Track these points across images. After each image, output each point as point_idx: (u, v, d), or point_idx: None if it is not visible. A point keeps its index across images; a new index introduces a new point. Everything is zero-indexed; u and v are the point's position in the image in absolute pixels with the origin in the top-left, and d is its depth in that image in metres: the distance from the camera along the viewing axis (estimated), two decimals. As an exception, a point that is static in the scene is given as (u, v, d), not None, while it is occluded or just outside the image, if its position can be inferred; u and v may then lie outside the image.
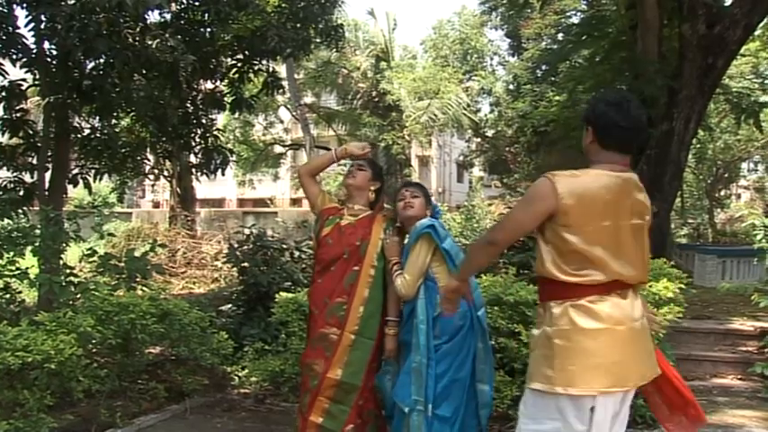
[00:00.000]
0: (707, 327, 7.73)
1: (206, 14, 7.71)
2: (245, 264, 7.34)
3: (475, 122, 27.64)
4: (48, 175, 7.66)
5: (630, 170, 2.66)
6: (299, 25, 8.36)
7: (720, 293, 10.00)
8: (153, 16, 7.62)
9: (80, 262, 6.82)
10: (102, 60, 7.18)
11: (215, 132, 9.06)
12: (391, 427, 3.79)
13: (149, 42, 6.89)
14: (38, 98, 8.88)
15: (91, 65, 7.39)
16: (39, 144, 7.74)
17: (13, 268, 5.69)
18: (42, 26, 6.90)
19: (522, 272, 7.00)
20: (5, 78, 7.35)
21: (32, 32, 6.96)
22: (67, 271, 6.07)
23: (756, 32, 13.55)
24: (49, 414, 4.37)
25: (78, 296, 5.63)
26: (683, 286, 5.40)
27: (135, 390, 5.70)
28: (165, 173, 17.14)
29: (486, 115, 28.94)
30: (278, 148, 30.23)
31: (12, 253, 5.72)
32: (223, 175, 9.89)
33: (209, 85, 9.16)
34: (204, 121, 8.86)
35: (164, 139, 9.01)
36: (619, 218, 2.57)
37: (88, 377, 4.61)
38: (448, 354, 3.53)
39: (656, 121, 10.33)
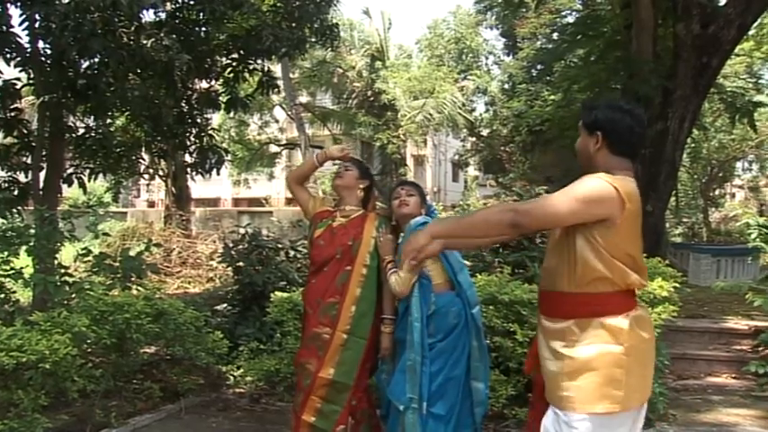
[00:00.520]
0: (701, 326, 7.75)
1: (201, 14, 7.70)
2: (241, 263, 7.34)
3: (470, 122, 27.69)
4: (42, 174, 7.63)
5: None
6: (294, 24, 8.35)
7: (715, 292, 10.00)
8: (148, 15, 7.59)
9: (75, 262, 6.80)
10: (96, 60, 7.15)
11: (210, 132, 9.04)
12: (387, 426, 3.79)
13: (144, 42, 6.86)
14: (32, 97, 8.84)
15: (85, 64, 7.36)
16: (33, 143, 7.71)
17: (8, 268, 5.66)
18: (36, 25, 6.88)
19: (517, 271, 7.01)
20: (-1, 77, 7.34)
21: (27, 31, 6.94)
22: (62, 271, 6.05)
23: (750, 32, 13.60)
24: (43, 414, 4.36)
25: (73, 296, 5.61)
26: (677, 285, 5.42)
27: (130, 389, 5.70)
28: (160, 172, 17.07)
29: (481, 114, 29.00)
30: (273, 148, 30.25)
31: (6, 253, 5.70)
32: (218, 174, 9.88)
33: (204, 84, 9.13)
34: (199, 120, 8.84)
35: (159, 138, 8.98)
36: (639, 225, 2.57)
37: (83, 377, 4.60)
38: (443, 352, 3.53)
39: (651, 120, 10.35)
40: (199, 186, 19.32)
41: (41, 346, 4.18)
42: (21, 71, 7.53)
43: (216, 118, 20.93)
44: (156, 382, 5.82)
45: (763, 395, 6.42)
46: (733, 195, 32.39)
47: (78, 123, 8.43)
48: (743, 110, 12.89)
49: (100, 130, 8.27)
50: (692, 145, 19.84)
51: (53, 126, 7.62)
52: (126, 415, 5.32)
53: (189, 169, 9.72)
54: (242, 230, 7.79)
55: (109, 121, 8.64)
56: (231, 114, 13.88)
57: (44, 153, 7.61)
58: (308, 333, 3.84)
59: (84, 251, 6.37)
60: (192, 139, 8.80)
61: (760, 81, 19.73)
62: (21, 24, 6.85)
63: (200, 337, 5.71)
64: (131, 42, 6.82)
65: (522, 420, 4.51)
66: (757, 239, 8.41)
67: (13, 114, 7.68)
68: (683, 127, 10.29)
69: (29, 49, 7.18)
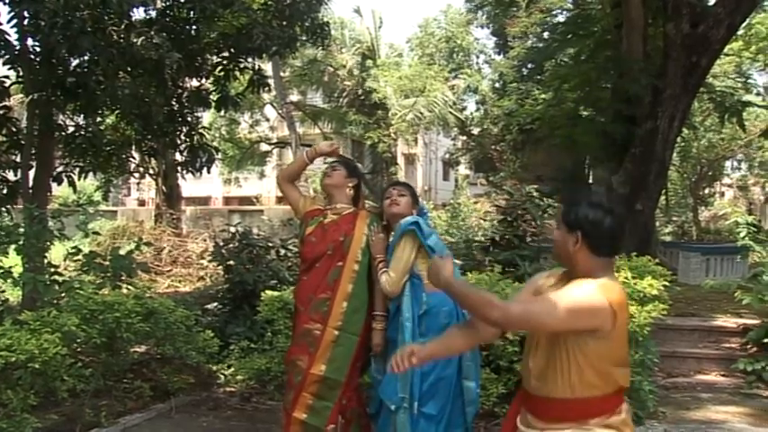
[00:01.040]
0: (691, 324, 7.79)
1: (191, 12, 7.67)
2: (231, 262, 7.33)
3: (461, 120, 27.69)
4: (32, 173, 7.60)
5: None
6: (284, 23, 8.33)
7: (704, 291, 10.03)
8: (138, 13, 7.58)
9: (65, 260, 6.78)
10: (86, 57, 7.12)
11: (200, 130, 9.01)
12: (377, 425, 3.79)
13: (134, 39, 6.83)
14: (21, 95, 8.78)
15: (75, 62, 7.33)
16: (22, 142, 7.67)
17: (-3, 267, 5.65)
18: (25, 23, 6.84)
19: (508, 270, 7.03)
20: (-12, 75, 7.30)
21: (15, 29, 6.90)
22: (52, 270, 6.03)
23: (739, 32, 13.66)
24: (33, 414, 4.34)
25: (63, 295, 5.59)
26: (667, 284, 5.45)
27: (120, 389, 5.68)
28: (151, 171, 17.01)
29: (471, 113, 29.00)
30: (264, 146, 30.19)
31: (-5, 251, 5.68)
32: (209, 173, 9.85)
33: (194, 82, 9.10)
34: (189, 118, 8.81)
35: (149, 136, 8.95)
36: None
37: (73, 376, 4.58)
38: (434, 351, 3.53)
39: (641, 119, 10.42)
40: (189, 185, 19.25)
41: (31, 345, 4.16)
42: (9, 69, 7.51)
43: (206, 116, 20.87)
44: (147, 382, 5.81)
45: (752, 392, 6.46)
46: (722, 194, 32.53)
47: (68, 121, 8.38)
48: (732, 109, 12.94)
49: (90, 129, 8.23)
50: (682, 144, 19.94)
51: (42, 124, 7.57)
52: (116, 414, 5.31)
53: (179, 168, 9.68)
54: (232, 229, 7.80)
55: (99, 119, 8.60)
56: (222, 113, 13.82)
57: (33, 151, 7.57)
58: (300, 330, 3.84)
59: (73, 250, 6.35)
60: (183, 137, 8.76)
61: (749, 81, 19.86)
62: (9, 21, 6.81)
63: (191, 336, 5.70)
64: (121, 40, 6.80)
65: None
66: (746, 238, 8.47)
67: (1, 112, 7.63)
68: (672, 126, 10.33)
69: (18, 47, 7.15)
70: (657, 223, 15.71)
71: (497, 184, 22.66)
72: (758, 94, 20.81)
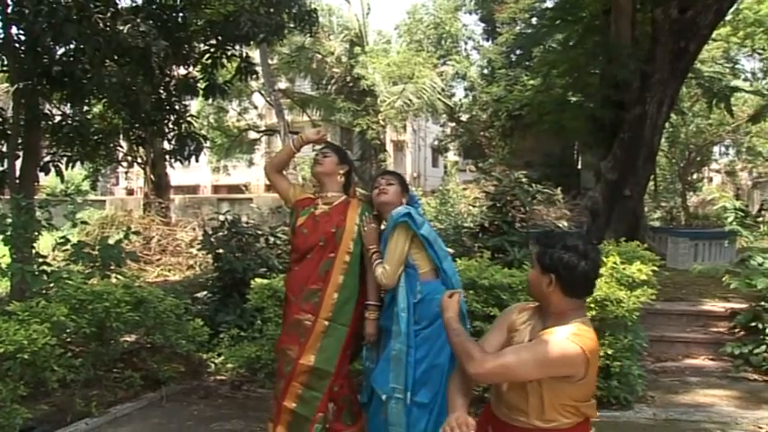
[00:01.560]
0: (679, 308, 7.83)
1: (178, -1, 7.63)
2: (220, 250, 7.32)
3: (449, 107, 27.70)
4: (18, 162, 7.55)
5: None
6: (272, 10, 8.28)
7: (692, 275, 10.13)
8: (124, 1, 7.52)
9: (53, 251, 6.75)
10: (72, 46, 7.07)
11: (188, 118, 8.97)
12: (368, 412, 3.80)
13: (120, 27, 6.77)
14: (6, 85, 8.71)
15: (61, 50, 7.28)
16: (8, 131, 7.62)
17: (-16, 258, 5.63)
18: (9, 10, 6.78)
19: (497, 255, 7.05)
20: (-27, 65, 7.23)
21: (-1, 17, 6.84)
22: (40, 260, 6.01)
23: (727, 17, 13.70)
24: (23, 404, 4.34)
25: (51, 285, 5.57)
26: (655, 268, 5.48)
27: (110, 378, 5.68)
28: (139, 160, 16.91)
29: (460, 100, 29.04)
30: (252, 134, 30.07)
31: (-18, 242, 5.66)
32: (197, 161, 9.80)
33: (181, 70, 9.05)
34: (177, 107, 8.76)
35: (137, 125, 8.91)
36: None
37: (62, 366, 4.57)
38: (427, 339, 3.54)
39: (629, 105, 10.44)
40: (178, 173, 19.18)
41: (20, 336, 4.15)
42: (-6, 58, 7.43)
43: (194, 104, 20.73)
44: (137, 371, 5.80)
45: (739, 376, 6.51)
46: (710, 179, 32.73)
47: (54, 111, 8.33)
48: (720, 95, 13.02)
49: (77, 118, 8.18)
50: (671, 129, 20.03)
51: (29, 113, 7.52)
52: (107, 404, 5.31)
53: (167, 156, 9.64)
54: (221, 217, 7.77)
55: (86, 108, 8.57)
56: (209, 101, 13.74)
57: (20, 141, 7.53)
58: (290, 320, 3.84)
59: (62, 240, 6.32)
60: (171, 125, 8.72)
61: (736, 66, 19.93)
62: (-7, 10, 6.75)
63: (181, 325, 5.70)
64: (107, 28, 6.74)
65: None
66: (734, 223, 8.52)
67: (-13, 102, 7.58)
68: (661, 111, 10.37)
69: (2, 35, 7.08)
70: (646, 208, 15.78)
71: (486, 171, 22.70)
72: (746, 79, 20.91)
